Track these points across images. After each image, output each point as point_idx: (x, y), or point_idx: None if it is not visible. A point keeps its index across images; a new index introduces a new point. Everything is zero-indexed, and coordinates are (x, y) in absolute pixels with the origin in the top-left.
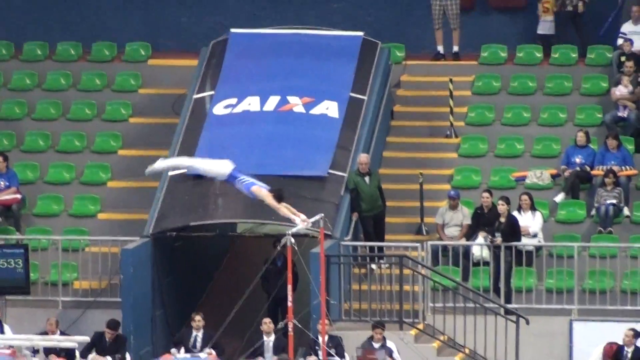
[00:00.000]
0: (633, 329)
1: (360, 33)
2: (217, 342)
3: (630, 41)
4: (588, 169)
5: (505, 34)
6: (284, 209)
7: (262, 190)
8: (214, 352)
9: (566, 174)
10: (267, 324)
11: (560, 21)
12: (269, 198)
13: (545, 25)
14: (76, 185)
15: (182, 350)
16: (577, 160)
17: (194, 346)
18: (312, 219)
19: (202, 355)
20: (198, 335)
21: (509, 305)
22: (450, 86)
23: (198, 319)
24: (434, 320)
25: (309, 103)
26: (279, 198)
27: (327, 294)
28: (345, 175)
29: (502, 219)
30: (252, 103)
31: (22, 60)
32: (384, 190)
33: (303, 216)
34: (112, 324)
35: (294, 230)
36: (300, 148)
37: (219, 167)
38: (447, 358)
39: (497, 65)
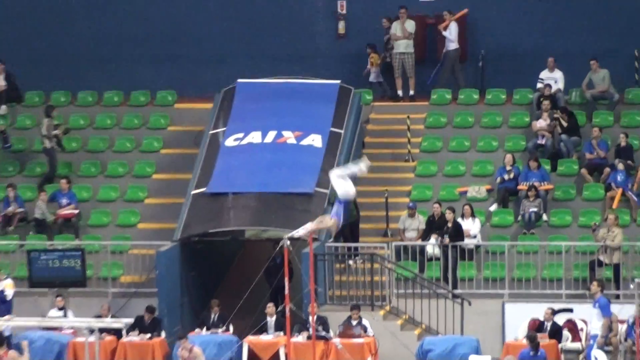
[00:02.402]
0: (551, 308)
1: (338, 81)
2: (228, 321)
3: (548, 85)
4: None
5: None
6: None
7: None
8: (228, 329)
9: (498, 180)
10: (269, 307)
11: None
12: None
13: (374, 75)
14: (120, 202)
15: (204, 329)
16: (506, 178)
17: (213, 324)
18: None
19: (219, 331)
20: (215, 316)
21: (455, 291)
22: (408, 122)
23: (215, 305)
24: (398, 303)
25: (299, 136)
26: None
27: (315, 283)
28: (328, 191)
29: (449, 224)
30: (254, 137)
31: (77, 106)
32: (358, 203)
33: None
34: (150, 309)
35: (289, 235)
36: (293, 171)
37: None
38: (408, 332)
39: (444, 105)
